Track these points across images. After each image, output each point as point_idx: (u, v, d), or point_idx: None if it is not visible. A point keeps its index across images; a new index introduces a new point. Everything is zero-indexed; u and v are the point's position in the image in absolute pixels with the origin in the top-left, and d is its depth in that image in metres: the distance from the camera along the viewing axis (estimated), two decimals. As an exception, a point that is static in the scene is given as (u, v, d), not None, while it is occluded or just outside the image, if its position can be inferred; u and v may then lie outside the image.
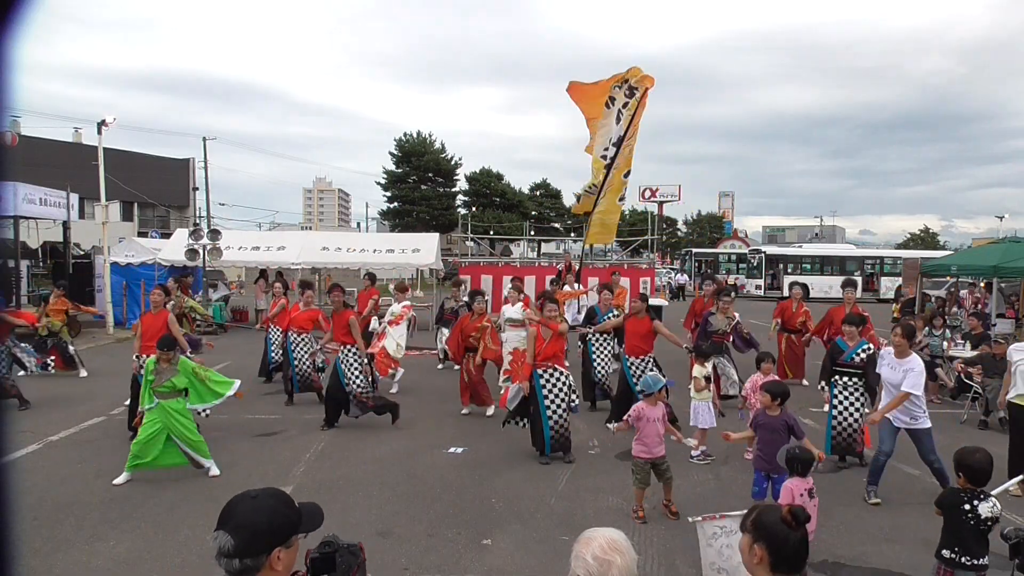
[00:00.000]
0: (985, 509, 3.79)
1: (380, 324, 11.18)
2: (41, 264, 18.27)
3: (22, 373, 10.30)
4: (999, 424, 9.10)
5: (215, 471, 6.81)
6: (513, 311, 10.04)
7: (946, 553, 3.87)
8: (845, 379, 7.28)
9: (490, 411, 9.38)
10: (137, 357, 7.97)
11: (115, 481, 6.52)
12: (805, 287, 12.21)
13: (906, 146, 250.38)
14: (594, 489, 6.55)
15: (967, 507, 3.82)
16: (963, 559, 3.80)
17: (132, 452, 6.56)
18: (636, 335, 8.65)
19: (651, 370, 8.19)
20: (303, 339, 10.13)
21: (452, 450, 7.75)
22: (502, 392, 8.58)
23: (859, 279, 36.93)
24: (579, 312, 13.83)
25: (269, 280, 20.47)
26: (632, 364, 8.62)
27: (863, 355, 7.20)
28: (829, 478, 6.79)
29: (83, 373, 12.10)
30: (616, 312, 10.08)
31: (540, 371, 7.43)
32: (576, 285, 14.73)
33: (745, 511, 2.36)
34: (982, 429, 9.08)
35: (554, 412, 7.36)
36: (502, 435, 8.35)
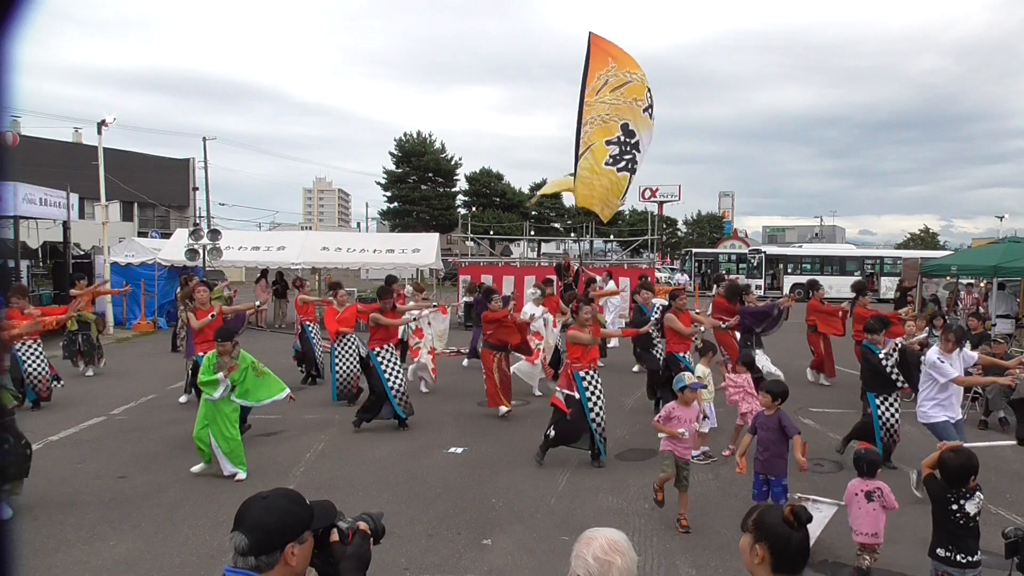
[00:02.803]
0: (972, 507, 3.78)
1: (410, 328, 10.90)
2: (41, 264, 18.21)
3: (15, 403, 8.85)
4: (999, 424, 9.10)
5: (241, 475, 6.39)
6: (536, 309, 10.21)
7: (940, 552, 3.83)
8: None
9: (503, 410, 9.26)
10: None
11: (192, 469, 6.59)
12: (805, 287, 12.21)
13: (905, 146, 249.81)
14: (594, 489, 6.55)
15: (954, 507, 3.80)
16: (958, 556, 3.77)
17: (196, 442, 6.60)
18: (677, 330, 8.53)
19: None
20: (349, 339, 9.88)
21: (452, 450, 7.75)
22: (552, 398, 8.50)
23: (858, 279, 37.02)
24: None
25: (269, 280, 20.51)
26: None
27: (895, 353, 7.04)
28: (829, 478, 6.79)
29: (89, 372, 11.77)
30: (658, 306, 9.95)
31: (582, 374, 7.30)
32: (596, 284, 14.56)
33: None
34: (982, 429, 9.07)
35: (596, 415, 7.25)
36: (502, 435, 8.36)
